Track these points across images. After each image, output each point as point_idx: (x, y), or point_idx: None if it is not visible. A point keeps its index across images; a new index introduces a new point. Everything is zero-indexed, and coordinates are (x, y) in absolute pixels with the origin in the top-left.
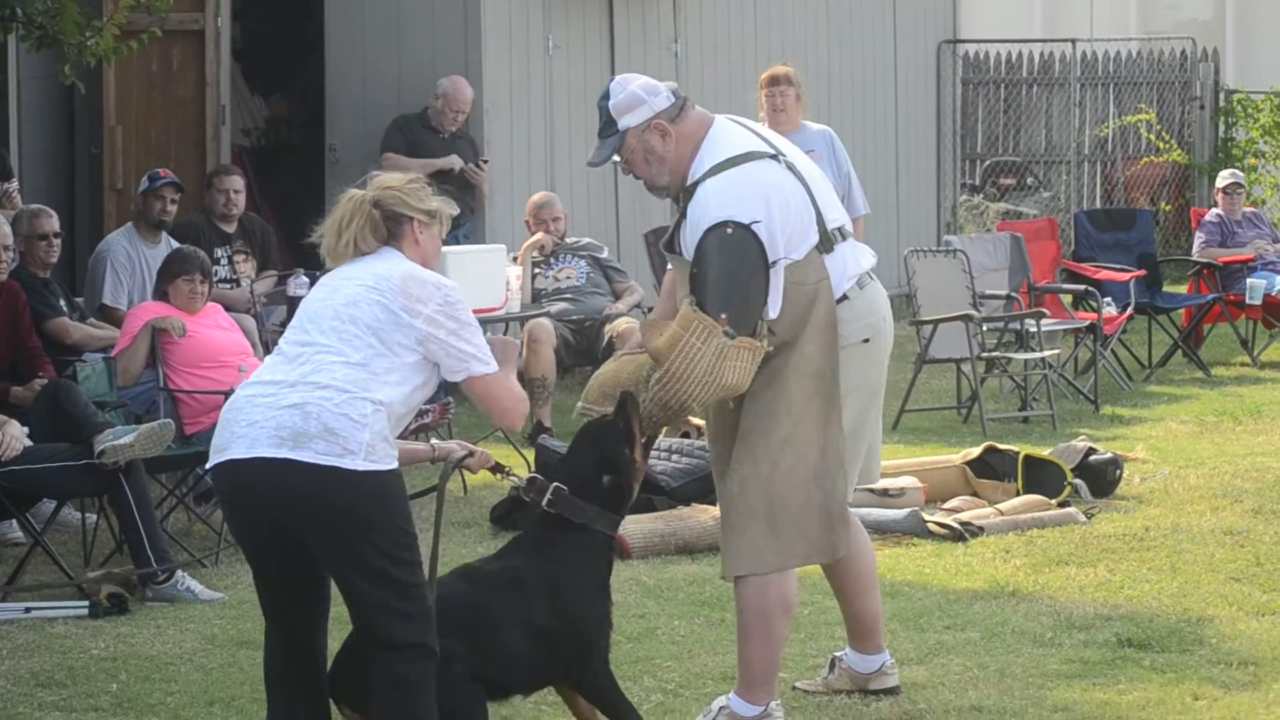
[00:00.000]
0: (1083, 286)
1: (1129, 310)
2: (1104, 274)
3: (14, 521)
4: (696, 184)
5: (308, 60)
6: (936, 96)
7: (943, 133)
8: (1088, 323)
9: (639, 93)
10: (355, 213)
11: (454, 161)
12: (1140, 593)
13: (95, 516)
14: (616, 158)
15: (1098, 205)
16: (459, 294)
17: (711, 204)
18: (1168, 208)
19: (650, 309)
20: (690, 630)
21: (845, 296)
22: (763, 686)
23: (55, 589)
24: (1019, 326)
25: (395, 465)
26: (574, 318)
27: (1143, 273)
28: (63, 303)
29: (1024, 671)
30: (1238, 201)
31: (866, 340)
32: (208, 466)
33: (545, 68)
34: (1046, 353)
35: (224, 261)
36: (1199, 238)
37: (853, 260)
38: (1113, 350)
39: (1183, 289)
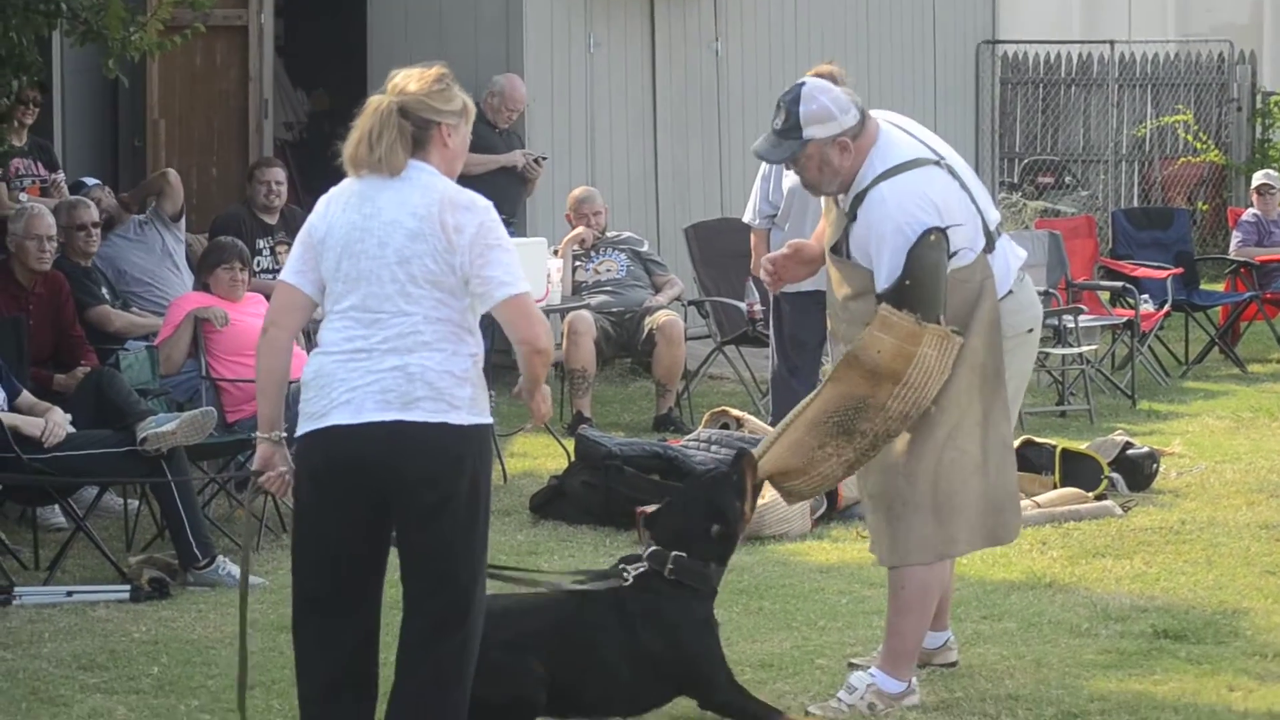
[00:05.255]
0: (1120, 283)
1: (1166, 307)
2: (1141, 271)
3: (57, 507)
4: (866, 190)
5: (350, 54)
6: (975, 96)
7: (981, 132)
8: (1125, 319)
9: (832, 108)
10: (385, 125)
11: (516, 158)
12: (1176, 585)
13: (137, 503)
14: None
15: (1135, 204)
16: (495, 214)
17: (892, 208)
18: (1204, 207)
19: (691, 302)
20: (728, 618)
21: (1010, 291)
22: (909, 662)
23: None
24: (1057, 322)
25: (491, 419)
26: (614, 310)
27: (1180, 270)
28: (104, 290)
29: (1060, 661)
30: (1272, 202)
31: (1030, 330)
32: (301, 433)
33: (586, 65)
34: (1084, 348)
35: (266, 252)
36: (1236, 236)
37: (1013, 255)
38: (1150, 346)
39: (1219, 287)
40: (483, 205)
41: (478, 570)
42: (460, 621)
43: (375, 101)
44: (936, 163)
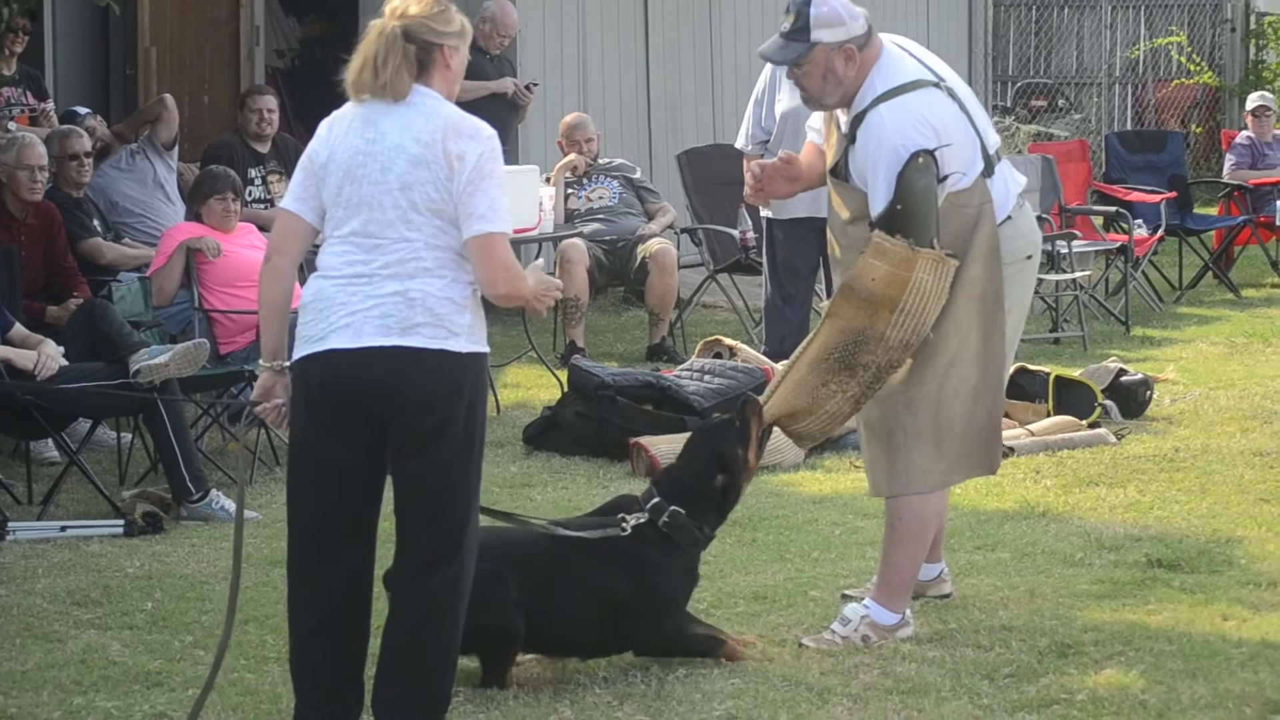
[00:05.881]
0: (1113, 208)
1: (1160, 232)
2: (1135, 196)
3: (50, 441)
4: (865, 111)
5: None
6: (968, 18)
7: (974, 54)
8: (1119, 244)
9: (842, 13)
10: (390, 50)
11: (506, 85)
12: (1170, 513)
13: (130, 436)
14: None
15: (1129, 127)
16: (497, 144)
17: (890, 131)
18: (1198, 130)
19: (684, 230)
20: (721, 550)
21: (1009, 216)
22: (904, 594)
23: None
24: (1050, 248)
25: (488, 349)
26: (607, 238)
27: (1173, 194)
28: (96, 223)
29: (1054, 592)
30: (1267, 124)
31: (1029, 257)
32: (298, 356)
33: None
34: (1077, 274)
35: (258, 181)
36: (1229, 160)
37: (1012, 181)
38: (1143, 272)
39: (1213, 211)
40: (486, 134)
41: (471, 503)
42: (453, 554)
43: (378, 26)
44: (937, 84)
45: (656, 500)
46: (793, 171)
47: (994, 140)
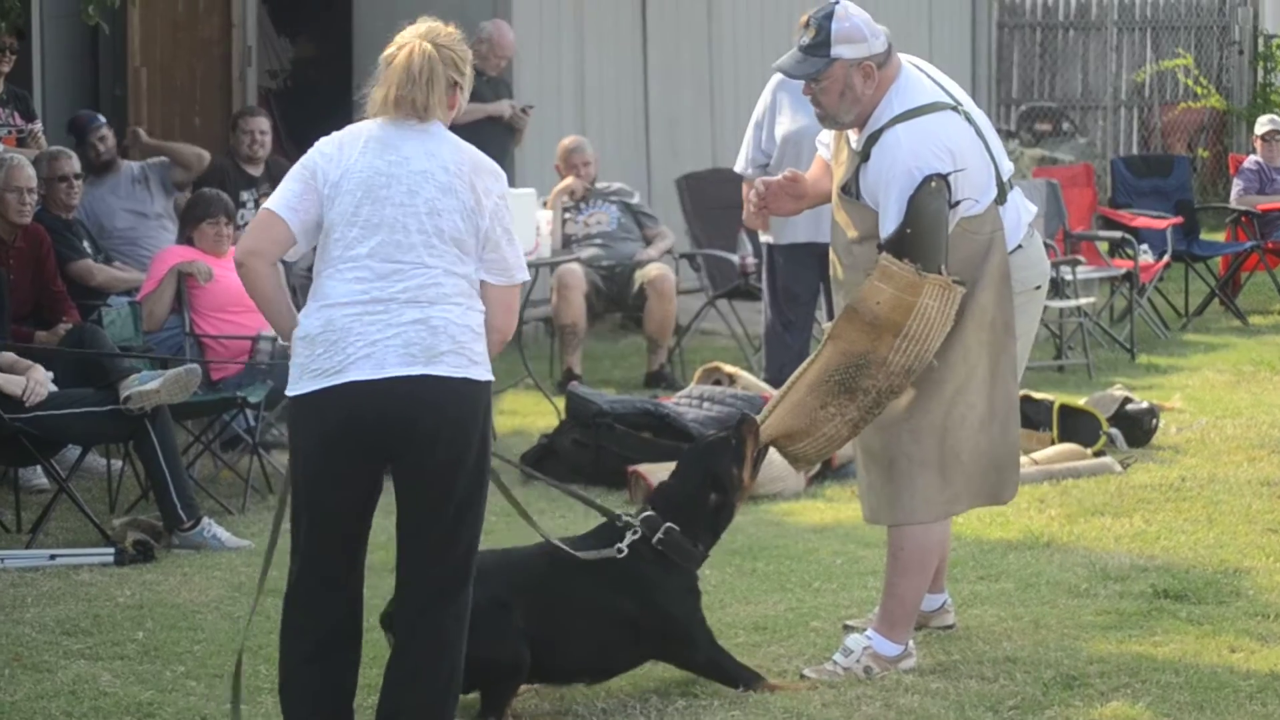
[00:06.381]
0: (1119, 234)
1: (1166, 258)
2: (1141, 221)
3: (39, 468)
4: (881, 130)
5: (334, 1)
6: (972, 40)
7: (978, 77)
8: (1124, 270)
9: (863, 28)
10: (434, 75)
11: (503, 107)
12: (1176, 543)
13: (121, 463)
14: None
15: (1134, 151)
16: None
17: (905, 152)
18: (1205, 154)
19: (683, 255)
20: (721, 580)
21: (1020, 245)
22: (906, 625)
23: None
24: (1054, 274)
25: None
26: (605, 264)
27: (1180, 220)
28: (86, 244)
29: (1058, 623)
30: (1276, 148)
31: (1038, 287)
32: (307, 390)
33: (576, 10)
34: (1082, 300)
35: (250, 205)
36: (1237, 185)
37: (1024, 209)
38: (1149, 298)
39: (1220, 237)
40: (503, 175)
41: (477, 533)
42: (460, 587)
43: (420, 47)
44: (954, 108)
45: (649, 514)
46: (798, 189)
47: (1007, 167)
